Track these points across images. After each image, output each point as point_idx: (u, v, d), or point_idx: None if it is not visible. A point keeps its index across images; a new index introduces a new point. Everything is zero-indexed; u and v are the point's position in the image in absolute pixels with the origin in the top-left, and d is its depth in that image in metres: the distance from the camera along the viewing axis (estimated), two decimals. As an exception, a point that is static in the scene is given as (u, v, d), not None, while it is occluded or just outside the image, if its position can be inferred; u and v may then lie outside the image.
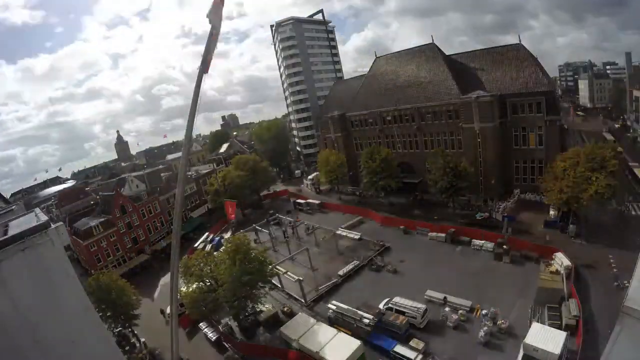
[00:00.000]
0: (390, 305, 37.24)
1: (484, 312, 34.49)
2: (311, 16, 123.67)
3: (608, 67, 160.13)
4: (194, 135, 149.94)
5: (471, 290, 38.66)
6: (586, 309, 32.22)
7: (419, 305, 36.08)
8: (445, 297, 38.02)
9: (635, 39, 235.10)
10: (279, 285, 46.84)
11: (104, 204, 73.88)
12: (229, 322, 42.91)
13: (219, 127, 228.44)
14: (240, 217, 77.67)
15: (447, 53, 70.79)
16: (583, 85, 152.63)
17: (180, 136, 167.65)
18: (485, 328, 32.10)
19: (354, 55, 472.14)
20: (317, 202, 76.99)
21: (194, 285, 39.29)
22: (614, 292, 33.00)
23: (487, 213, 55.27)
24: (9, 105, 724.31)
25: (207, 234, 74.20)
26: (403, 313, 35.60)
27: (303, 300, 43.64)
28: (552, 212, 50.32)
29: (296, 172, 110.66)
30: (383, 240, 53.62)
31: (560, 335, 27.28)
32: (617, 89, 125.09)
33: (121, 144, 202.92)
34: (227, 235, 52.52)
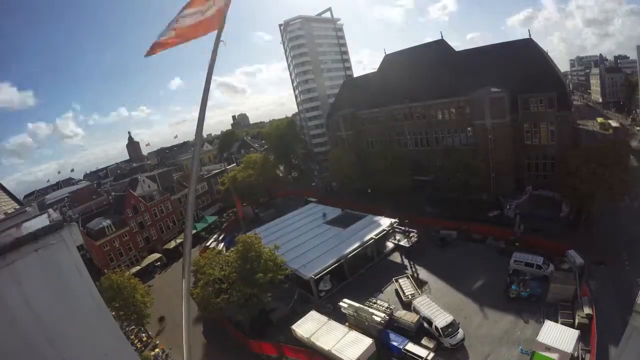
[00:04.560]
0: (414, 305, 36.80)
1: None
2: (320, 14, 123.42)
3: (619, 60, 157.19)
4: (204, 135, 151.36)
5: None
6: (599, 307, 31.85)
7: (447, 315, 33.88)
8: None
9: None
10: (291, 283, 46.94)
11: (117, 204, 74.81)
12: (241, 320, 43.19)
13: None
14: (252, 216, 78.15)
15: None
16: (594, 80, 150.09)
17: (190, 136, 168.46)
18: None
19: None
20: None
21: (205, 284, 39.60)
22: (627, 290, 32.60)
23: (498, 210, 54.87)
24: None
25: (218, 232, 74.71)
26: (430, 323, 33.59)
27: (315, 297, 43.81)
28: (565, 208, 49.76)
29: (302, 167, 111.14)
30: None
31: (573, 334, 27.07)
32: (629, 83, 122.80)
33: (133, 145, 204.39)
34: (240, 234, 52.76)
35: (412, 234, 50.30)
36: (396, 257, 50.25)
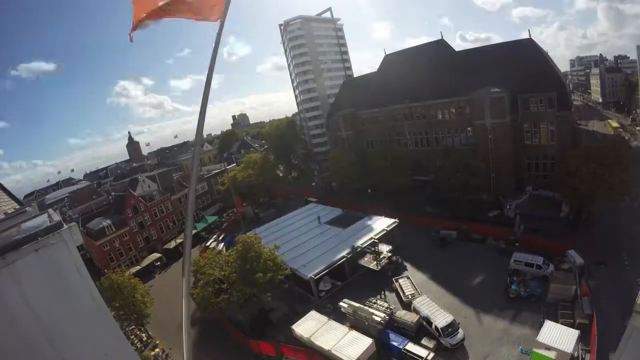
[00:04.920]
0: (414, 305, 36.76)
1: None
2: (320, 14, 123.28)
3: (619, 60, 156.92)
4: (204, 135, 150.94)
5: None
6: (599, 307, 31.83)
7: (446, 315, 33.88)
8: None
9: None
10: (290, 283, 46.84)
11: (117, 204, 74.82)
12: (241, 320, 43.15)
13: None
14: (252, 216, 78.11)
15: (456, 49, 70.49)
16: (595, 80, 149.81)
17: (190, 137, 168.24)
18: None
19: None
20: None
21: (205, 284, 39.60)
22: (627, 290, 32.57)
23: (498, 210, 54.84)
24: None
25: (218, 232, 74.67)
26: (430, 323, 33.54)
27: (315, 297, 43.77)
28: (565, 208, 49.73)
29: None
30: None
31: (573, 334, 27.05)
32: (629, 83, 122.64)
33: (133, 145, 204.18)
34: (240, 234, 52.74)
35: (382, 256, 46.64)
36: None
